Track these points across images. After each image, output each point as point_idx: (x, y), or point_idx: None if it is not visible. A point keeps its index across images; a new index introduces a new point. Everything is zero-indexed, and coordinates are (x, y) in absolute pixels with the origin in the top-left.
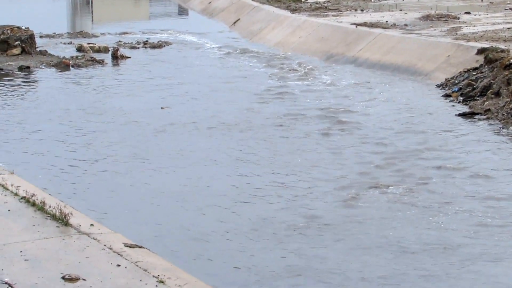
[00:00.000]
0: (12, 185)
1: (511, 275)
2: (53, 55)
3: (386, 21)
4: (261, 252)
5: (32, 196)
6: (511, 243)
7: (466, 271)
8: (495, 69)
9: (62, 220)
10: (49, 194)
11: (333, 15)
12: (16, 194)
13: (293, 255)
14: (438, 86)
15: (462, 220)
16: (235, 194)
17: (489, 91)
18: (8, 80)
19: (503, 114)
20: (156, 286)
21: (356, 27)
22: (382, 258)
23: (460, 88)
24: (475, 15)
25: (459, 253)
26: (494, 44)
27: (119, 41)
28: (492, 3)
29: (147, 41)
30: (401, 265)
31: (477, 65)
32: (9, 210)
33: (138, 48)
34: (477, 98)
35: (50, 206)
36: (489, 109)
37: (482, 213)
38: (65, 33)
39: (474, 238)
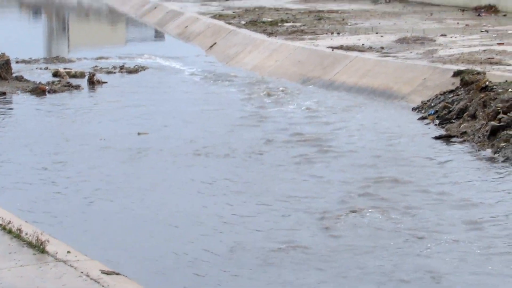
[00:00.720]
0: None
1: None
2: (29, 80)
3: (363, 44)
4: (236, 281)
5: (8, 223)
6: (499, 271)
7: None
8: (471, 92)
9: (38, 247)
10: (25, 221)
11: (309, 39)
12: None
13: (269, 285)
14: (414, 109)
15: (445, 247)
16: (211, 221)
17: (465, 114)
18: None
19: (479, 137)
20: None
21: (333, 50)
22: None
23: (436, 111)
24: (451, 37)
25: (445, 282)
26: (470, 67)
27: (96, 66)
28: (468, 25)
29: (123, 66)
30: None
31: (453, 87)
32: None
33: (115, 73)
34: (454, 121)
35: (26, 233)
36: (465, 132)
37: (464, 239)
38: (41, 59)
39: (459, 266)
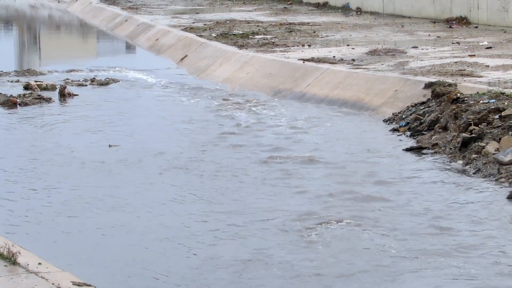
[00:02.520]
0: None
1: None
2: (0, 93)
3: (334, 56)
4: None
5: None
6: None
7: None
8: (443, 103)
9: (10, 259)
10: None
11: (280, 51)
12: None
13: None
14: (385, 120)
15: (410, 252)
16: (183, 234)
17: (436, 125)
18: None
19: (450, 148)
20: None
21: (304, 62)
22: None
23: (408, 123)
24: (422, 49)
25: None
26: (441, 78)
27: (67, 79)
28: (440, 37)
29: (94, 78)
30: None
31: (424, 99)
32: None
33: (86, 85)
34: (425, 133)
35: None
36: (436, 143)
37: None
38: (12, 71)
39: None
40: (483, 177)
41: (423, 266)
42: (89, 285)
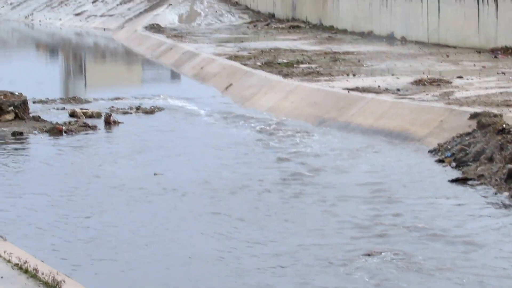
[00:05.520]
0: (4, 252)
1: None
2: (46, 120)
3: (378, 86)
4: None
5: (25, 263)
6: None
7: None
8: (488, 134)
9: (54, 287)
10: (42, 261)
11: (325, 80)
12: (8, 261)
13: None
14: (430, 151)
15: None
16: (222, 253)
17: (482, 156)
18: (1, 145)
19: (496, 180)
20: None
21: (348, 92)
22: None
23: (453, 154)
24: (467, 79)
25: None
26: (487, 109)
27: (112, 107)
28: (485, 67)
29: (139, 106)
30: None
31: (470, 130)
32: (1, 277)
33: (131, 113)
34: (470, 164)
35: (42, 273)
36: (482, 175)
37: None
38: (58, 99)
39: None
40: None
41: None
42: None
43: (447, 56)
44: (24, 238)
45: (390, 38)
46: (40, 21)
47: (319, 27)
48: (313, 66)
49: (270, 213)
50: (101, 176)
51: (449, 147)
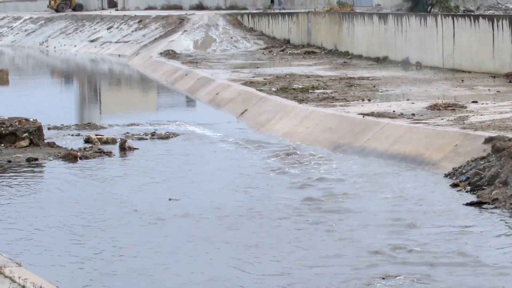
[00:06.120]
0: (19, 278)
1: None
2: (61, 146)
3: (393, 111)
4: None
5: None
6: None
7: None
8: (503, 158)
9: None
10: (57, 287)
11: (340, 105)
12: (23, 287)
13: None
14: (445, 175)
15: None
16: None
17: (496, 180)
18: (16, 171)
19: (511, 203)
20: None
21: (363, 117)
22: None
23: (468, 178)
24: (482, 104)
25: None
26: (501, 133)
27: (127, 133)
28: (500, 91)
29: (154, 132)
30: None
31: (484, 154)
32: None
33: (146, 139)
34: (485, 187)
35: None
36: (497, 198)
37: None
38: (72, 125)
39: None
40: None
41: None
42: None
43: (462, 81)
44: (39, 265)
45: (405, 64)
46: (55, 47)
47: (334, 53)
48: (328, 91)
49: (289, 239)
50: (116, 201)
51: (463, 171)
